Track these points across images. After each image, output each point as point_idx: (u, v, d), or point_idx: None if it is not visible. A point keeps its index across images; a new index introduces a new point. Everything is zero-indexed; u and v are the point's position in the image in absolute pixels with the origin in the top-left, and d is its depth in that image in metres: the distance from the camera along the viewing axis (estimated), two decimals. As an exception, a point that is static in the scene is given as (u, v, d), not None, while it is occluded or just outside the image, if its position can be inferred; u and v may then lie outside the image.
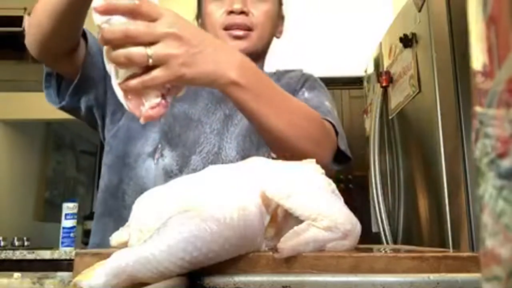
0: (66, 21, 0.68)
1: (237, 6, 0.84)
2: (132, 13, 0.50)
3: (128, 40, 0.49)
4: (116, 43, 0.50)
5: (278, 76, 0.97)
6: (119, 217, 0.79)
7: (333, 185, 0.49)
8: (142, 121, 0.53)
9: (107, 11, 0.49)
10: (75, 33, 0.74)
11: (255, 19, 0.86)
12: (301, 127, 0.66)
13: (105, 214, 0.84)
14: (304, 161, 0.54)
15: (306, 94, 0.90)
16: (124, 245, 0.47)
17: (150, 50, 0.50)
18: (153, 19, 0.51)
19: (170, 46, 0.51)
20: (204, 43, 0.54)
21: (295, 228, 0.42)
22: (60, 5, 0.65)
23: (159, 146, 0.82)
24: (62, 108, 0.85)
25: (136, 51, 0.50)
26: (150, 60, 0.50)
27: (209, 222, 0.36)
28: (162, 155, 0.81)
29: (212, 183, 0.45)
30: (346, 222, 0.44)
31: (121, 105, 0.75)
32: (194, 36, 0.53)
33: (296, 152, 0.62)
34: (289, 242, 0.39)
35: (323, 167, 0.52)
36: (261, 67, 0.97)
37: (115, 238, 0.50)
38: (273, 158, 0.61)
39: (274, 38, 0.95)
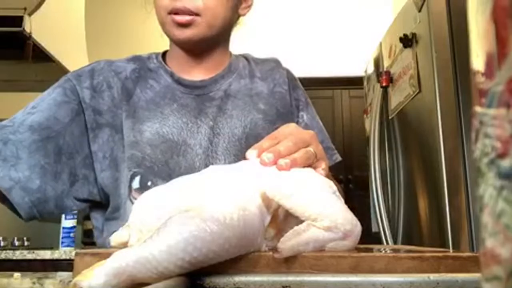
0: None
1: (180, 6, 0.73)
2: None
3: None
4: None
5: (251, 62, 0.89)
6: None
7: (334, 187, 0.49)
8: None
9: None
10: None
11: (202, 2, 0.74)
12: None
13: None
14: None
15: (305, 118, 0.88)
16: (124, 245, 0.47)
17: (312, 149, 0.53)
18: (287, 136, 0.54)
19: (317, 144, 0.56)
20: None
21: (295, 228, 0.42)
22: None
23: (149, 183, 0.72)
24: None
25: (306, 152, 0.51)
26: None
27: (209, 222, 0.36)
28: None
29: (212, 183, 0.45)
30: (346, 222, 0.44)
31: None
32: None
33: None
34: (289, 242, 0.39)
35: None
36: (223, 52, 0.86)
37: (115, 238, 0.49)
38: None
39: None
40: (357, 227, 0.45)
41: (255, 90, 0.85)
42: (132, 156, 0.74)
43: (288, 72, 0.91)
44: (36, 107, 0.74)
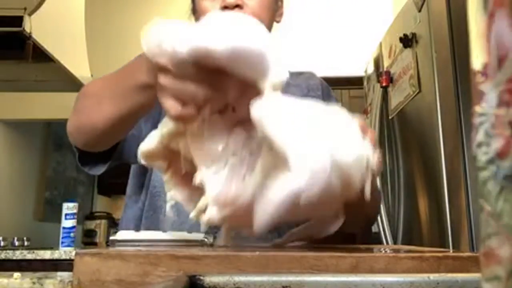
0: (126, 127, 0.67)
1: (230, 0, 0.81)
2: None
3: None
4: None
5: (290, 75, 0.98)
6: None
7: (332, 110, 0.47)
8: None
9: None
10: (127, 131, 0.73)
11: (250, 11, 0.83)
12: None
13: None
14: None
15: None
16: (154, 154, 0.49)
17: None
18: None
19: None
20: None
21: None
22: (123, 115, 0.62)
23: None
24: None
25: None
26: None
27: None
28: None
29: None
30: (308, 159, 0.40)
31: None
32: None
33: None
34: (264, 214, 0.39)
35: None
36: None
37: (144, 147, 0.51)
38: None
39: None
40: (322, 165, 0.40)
41: (290, 92, 0.91)
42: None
43: (322, 82, 0.98)
44: None
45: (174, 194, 0.53)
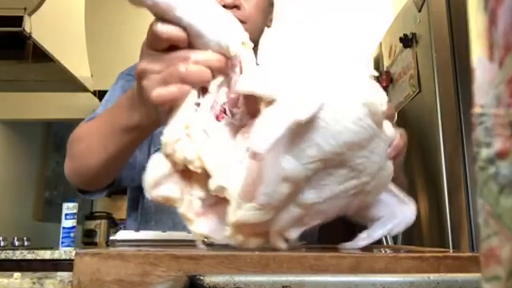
0: (118, 165, 0.70)
1: (228, 0, 0.82)
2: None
3: None
4: None
5: None
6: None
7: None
8: None
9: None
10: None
11: (247, 12, 0.84)
12: None
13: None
14: None
15: None
16: (163, 178, 0.45)
17: None
18: None
19: None
20: None
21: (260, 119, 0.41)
22: (112, 157, 0.64)
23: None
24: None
25: None
26: None
27: None
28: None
29: None
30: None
31: None
32: None
33: None
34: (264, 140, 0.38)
35: None
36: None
37: (150, 177, 0.46)
38: None
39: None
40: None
41: None
42: (160, 133, 0.82)
43: None
44: (108, 99, 0.87)
45: (198, 227, 0.46)
